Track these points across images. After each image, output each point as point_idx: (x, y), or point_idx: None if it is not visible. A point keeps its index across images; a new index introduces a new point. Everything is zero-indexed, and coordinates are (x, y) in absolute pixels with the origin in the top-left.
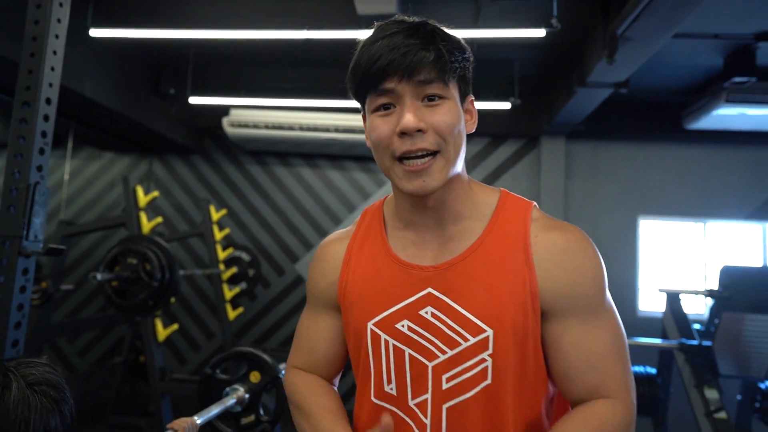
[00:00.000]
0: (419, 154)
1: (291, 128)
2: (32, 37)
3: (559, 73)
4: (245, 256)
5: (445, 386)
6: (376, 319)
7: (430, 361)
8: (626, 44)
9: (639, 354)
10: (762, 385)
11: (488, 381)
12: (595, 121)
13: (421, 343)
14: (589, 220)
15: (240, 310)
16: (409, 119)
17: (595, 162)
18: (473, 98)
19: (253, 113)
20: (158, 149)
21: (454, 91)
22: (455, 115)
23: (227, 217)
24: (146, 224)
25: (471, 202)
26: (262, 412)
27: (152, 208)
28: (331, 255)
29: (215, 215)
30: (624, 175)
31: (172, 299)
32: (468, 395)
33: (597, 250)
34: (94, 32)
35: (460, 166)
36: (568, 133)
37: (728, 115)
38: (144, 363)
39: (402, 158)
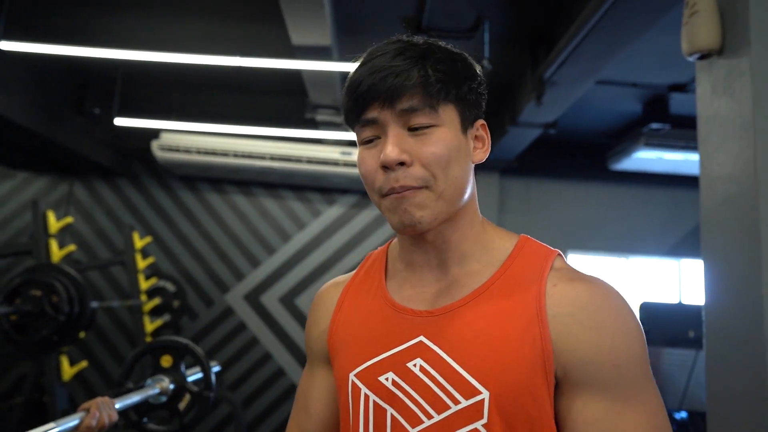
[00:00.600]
0: (401, 191)
1: (225, 155)
2: None
3: (493, 111)
4: (170, 287)
5: None
6: (359, 369)
7: (413, 427)
8: (553, 88)
9: None
10: (677, 415)
11: None
12: (527, 159)
13: (405, 402)
14: None
15: None
16: (389, 151)
17: (527, 198)
18: (484, 123)
19: (185, 138)
20: (80, 170)
21: (449, 116)
22: (447, 144)
23: (153, 245)
24: (57, 252)
25: (481, 244)
26: (181, 407)
27: (70, 234)
28: (325, 300)
29: (138, 242)
30: (554, 211)
31: (82, 334)
32: None
33: (633, 311)
34: (6, 45)
35: (462, 201)
36: (502, 169)
37: (647, 158)
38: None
39: (387, 195)
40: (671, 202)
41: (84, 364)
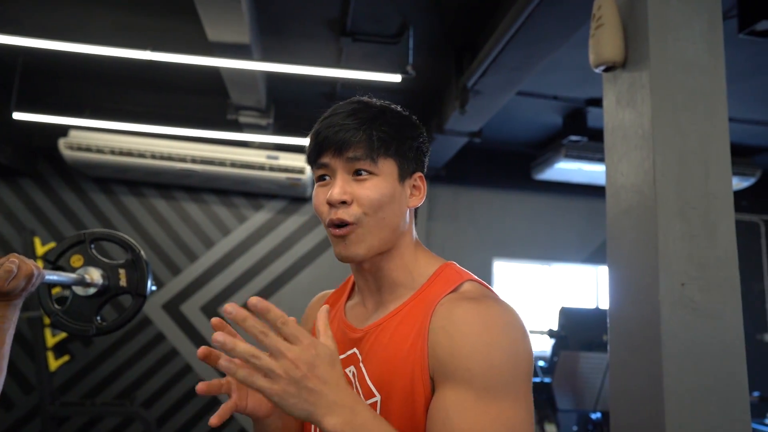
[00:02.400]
0: (339, 224)
1: (142, 156)
2: None
3: (420, 119)
4: None
5: None
6: None
7: None
8: (476, 97)
9: None
10: (593, 416)
11: None
12: (455, 167)
13: None
14: (450, 260)
15: (65, 358)
16: (333, 192)
17: (455, 205)
18: (422, 175)
19: (98, 136)
20: None
21: (388, 168)
22: (381, 190)
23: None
24: None
25: (409, 272)
26: (99, 316)
27: None
28: (311, 309)
29: (40, 248)
30: (481, 219)
31: None
32: None
33: (517, 335)
34: None
35: (393, 237)
36: (431, 177)
37: (568, 169)
38: None
39: (330, 225)
40: (589, 212)
41: None
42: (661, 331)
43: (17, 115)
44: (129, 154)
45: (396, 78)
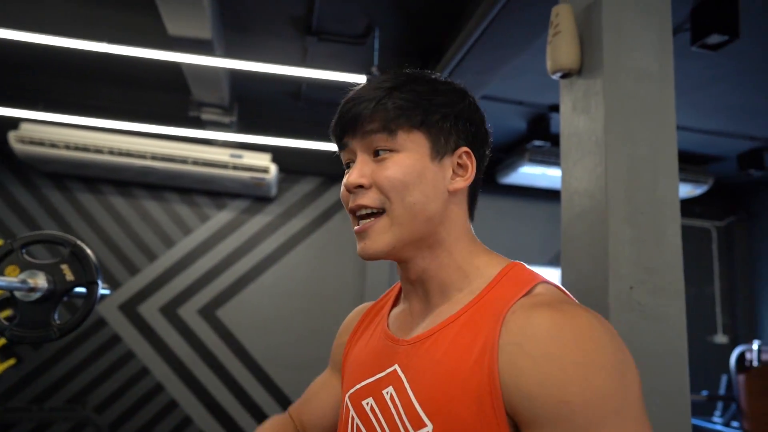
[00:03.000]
0: (363, 212)
1: (100, 151)
2: None
3: None
4: None
5: None
6: (352, 390)
7: None
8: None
9: None
10: None
11: None
12: None
13: (375, 428)
14: None
15: (11, 361)
16: (349, 175)
17: None
18: (469, 150)
19: (51, 130)
20: None
21: (414, 143)
22: (405, 170)
23: None
24: None
25: (463, 273)
26: (56, 316)
27: None
28: (353, 316)
29: None
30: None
31: None
32: None
33: (618, 348)
34: None
35: (427, 228)
36: None
37: (532, 173)
38: None
39: (352, 216)
40: (553, 215)
41: None
42: None
43: None
44: (85, 149)
45: (361, 79)
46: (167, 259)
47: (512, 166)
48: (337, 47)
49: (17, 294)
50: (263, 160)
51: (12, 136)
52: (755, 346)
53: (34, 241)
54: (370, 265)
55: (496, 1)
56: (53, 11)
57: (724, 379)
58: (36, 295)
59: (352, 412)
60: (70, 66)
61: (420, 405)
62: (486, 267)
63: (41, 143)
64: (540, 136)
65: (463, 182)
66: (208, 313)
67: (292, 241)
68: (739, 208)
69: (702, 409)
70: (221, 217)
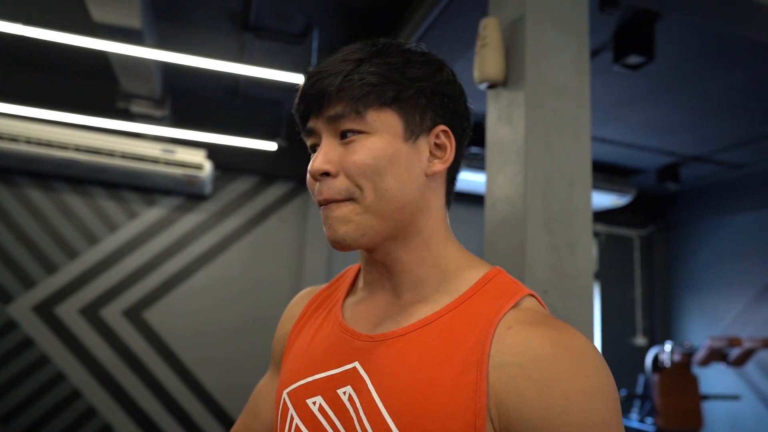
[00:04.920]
0: (325, 204)
1: (14, 140)
2: None
3: None
4: None
5: None
6: (292, 387)
7: None
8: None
9: None
10: None
11: None
12: None
13: (326, 430)
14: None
15: None
16: (313, 162)
17: None
18: (447, 129)
19: None
20: None
21: (385, 123)
22: (376, 153)
23: None
24: None
25: (440, 270)
26: None
27: None
28: (295, 305)
29: None
30: None
31: None
32: None
33: (608, 372)
34: None
35: (404, 217)
36: None
37: (470, 180)
38: None
39: (320, 206)
40: None
41: None
42: None
43: None
44: None
45: (299, 78)
46: (90, 257)
47: None
48: (275, 45)
49: None
50: (197, 156)
51: None
52: (668, 347)
53: None
54: (306, 266)
55: (432, 7)
56: None
57: (641, 378)
58: None
59: (291, 411)
60: None
61: (389, 412)
62: (466, 268)
63: None
64: (478, 143)
65: (441, 165)
66: (134, 314)
67: (227, 241)
68: (659, 218)
69: (621, 407)
70: (151, 214)
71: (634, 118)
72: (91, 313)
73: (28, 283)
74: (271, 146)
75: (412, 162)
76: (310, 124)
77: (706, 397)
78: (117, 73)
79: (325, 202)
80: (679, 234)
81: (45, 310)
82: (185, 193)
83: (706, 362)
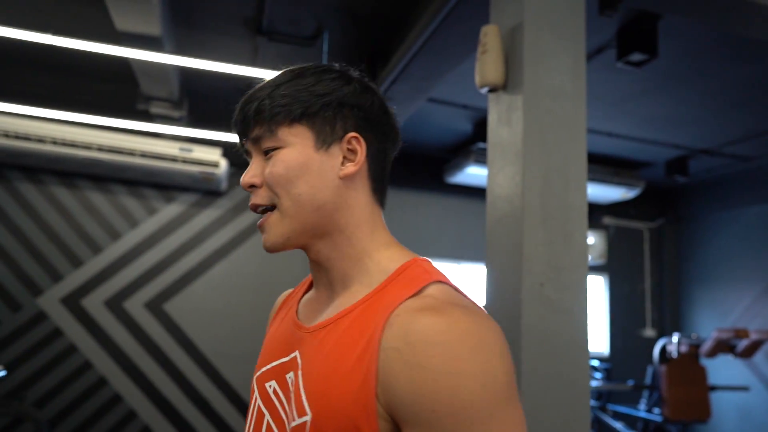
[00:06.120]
0: (260, 210)
1: (42, 141)
2: None
3: None
4: None
5: None
6: (258, 373)
7: None
8: (389, 103)
9: None
10: None
11: None
12: None
13: (278, 410)
14: None
15: None
16: (243, 176)
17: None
18: (356, 135)
19: None
20: None
21: (297, 136)
22: (288, 164)
23: None
24: None
25: (363, 265)
26: None
27: None
28: (276, 304)
29: None
30: (396, 219)
31: None
32: None
33: (491, 355)
34: None
35: (322, 219)
36: None
37: (477, 174)
38: None
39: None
40: None
41: None
42: (522, 324)
43: None
44: (26, 138)
45: None
46: (113, 251)
47: (459, 166)
48: (287, 48)
49: None
50: (213, 154)
51: None
52: (675, 338)
53: None
54: None
55: (435, 14)
56: None
57: (650, 369)
58: None
59: (256, 392)
60: (11, 53)
61: (305, 393)
62: (387, 261)
63: None
64: (485, 138)
65: (353, 167)
66: (155, 306)
67: (242, 235)
68: (669, 211)
69: (629, 398)
70: (169, 211)
71: (642, 112)
72: (115, 305)
73: (56, 276)
74: None
75: (324, 168)
76: (244, 144)
77: (714, 388)
78: (138, 76)
79: (254, 208)
80: (688, 226)
81: (72, 302)
82: (202, 189)
83: (713, 353)
